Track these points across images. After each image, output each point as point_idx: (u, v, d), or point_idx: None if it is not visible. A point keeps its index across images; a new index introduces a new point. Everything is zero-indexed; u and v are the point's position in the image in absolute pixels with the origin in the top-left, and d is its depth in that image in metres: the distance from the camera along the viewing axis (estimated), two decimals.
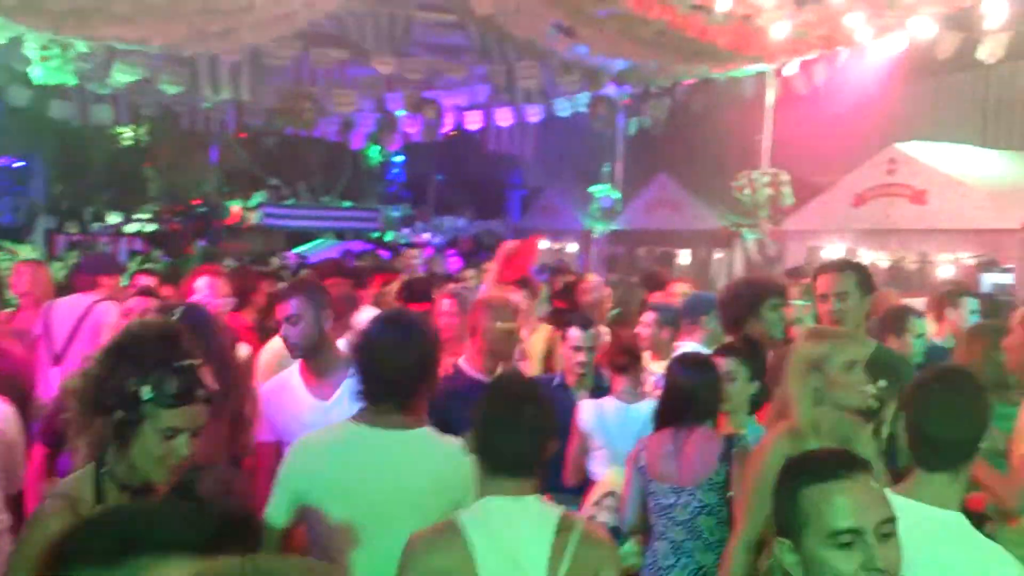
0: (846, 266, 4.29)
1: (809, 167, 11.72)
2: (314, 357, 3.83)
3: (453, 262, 14.51)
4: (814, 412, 3.12)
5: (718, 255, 12.23)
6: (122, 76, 9.86)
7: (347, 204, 22.14)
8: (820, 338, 3.28)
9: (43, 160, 19.92)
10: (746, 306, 4.47)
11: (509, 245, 6.71)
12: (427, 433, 2.92)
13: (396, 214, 22.28)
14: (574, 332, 4.72)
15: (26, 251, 10.11)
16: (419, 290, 6.70)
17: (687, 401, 3.77)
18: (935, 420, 2.51)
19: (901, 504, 2.29)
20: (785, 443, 3.06)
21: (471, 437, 2.54)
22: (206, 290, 5.20)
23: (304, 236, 19.70)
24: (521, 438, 2.49)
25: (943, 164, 7.49)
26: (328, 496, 2.78)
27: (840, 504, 1.88)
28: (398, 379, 2.89)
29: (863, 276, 4.15)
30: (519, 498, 2.45)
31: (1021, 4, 7.24)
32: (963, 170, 7.42)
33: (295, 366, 3.92)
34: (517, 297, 5.20)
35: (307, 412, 3.68)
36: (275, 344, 4.49)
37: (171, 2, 7.89)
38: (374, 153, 20.41)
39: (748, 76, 10.63)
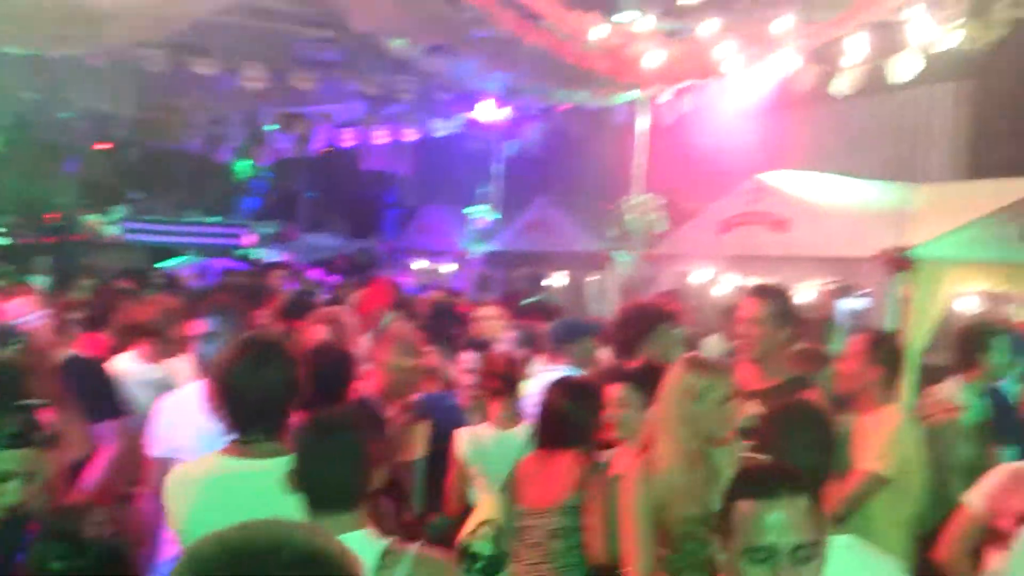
0: (765, 293, 4.29)
1: (682, 193, 12.08)
2: None
3: (330, 280, 14.23)
4: (687, 443, 3.14)
5: (592, 278, 12.40)
6: None
7: (212, 220, 21.45)
8: (700, 369, 3.30)
9: None
10: (639, 331, 4.48)
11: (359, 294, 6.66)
12: None
13: (266, 231, 21.70)
14: (466, 355, 4.69)
15: None
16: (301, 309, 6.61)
17: (560, 425, 3.75)
18: (776, 452, 2.63)
19: None
20: (648, 475, 3.07)
21: (291, 474, 2.42)
22: (21, 309, 4.90)
23: (167, 252, 18.92)
24: (336, 471, 2.39)
25: (805, 193, 7.80)
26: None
27: (762, 522, 1.99)
28: (263, 405, 2.77)
29: (780, 306, 4.17)
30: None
31: (880, 39, 7.64)
32: (824, 199, 7.74)
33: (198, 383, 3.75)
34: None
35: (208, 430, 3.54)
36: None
37: (32, 6, 7.46)
38: (243, 168, 19.85)
39: (623, 103, 10.88)
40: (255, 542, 1.21)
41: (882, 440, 3.90)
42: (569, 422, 3.76)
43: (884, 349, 4.14)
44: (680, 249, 9.00)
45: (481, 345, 4.82)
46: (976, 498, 3.21)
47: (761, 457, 2.66)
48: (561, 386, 3.93)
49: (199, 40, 10.54)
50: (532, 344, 5.53)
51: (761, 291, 4.38)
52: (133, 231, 19.65)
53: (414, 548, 2.44)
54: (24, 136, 15.22)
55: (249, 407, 2.77)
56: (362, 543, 2.33)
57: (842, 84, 7.97)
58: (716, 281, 8.85)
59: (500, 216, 15.24)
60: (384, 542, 2.40)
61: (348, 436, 2.46)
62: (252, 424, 2.78)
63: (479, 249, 15.31)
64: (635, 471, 3.22)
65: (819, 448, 2.66)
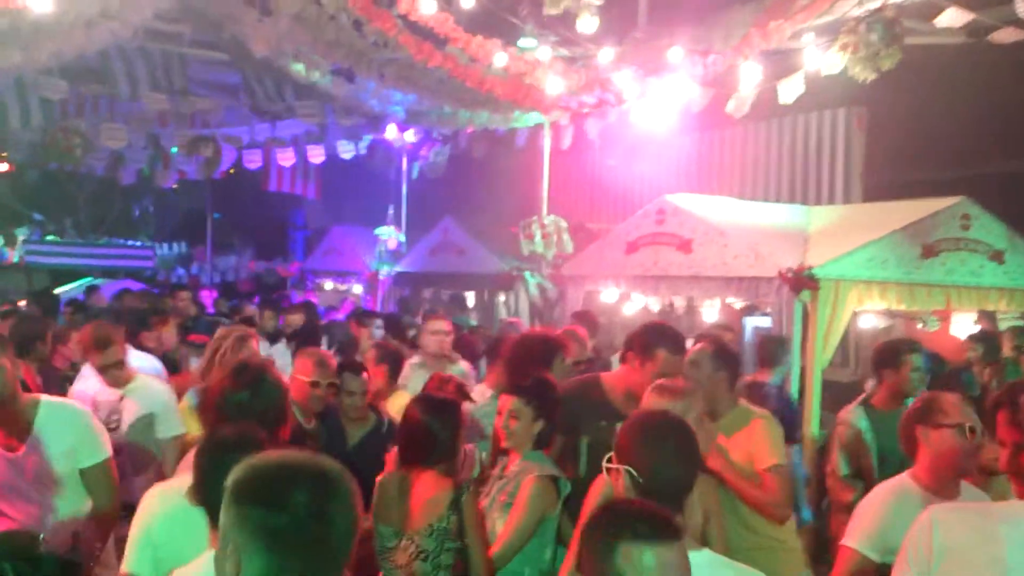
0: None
1: (586, 215, 12.30)
2: None
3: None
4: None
5: (502, 298, 12.50)
6: None
7: (116, 242, 20.94)
8: (672, 394, 3.39)
9: None
10: (538, 362, 4.58)
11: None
12: None
13: (171, 252, 21.30)
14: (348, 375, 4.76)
15: None
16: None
17: (424, 441, 3.75)
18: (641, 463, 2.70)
19: None
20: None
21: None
22: None
23: (70, 274, 18.38)
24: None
25: (708, 214, 8.03)
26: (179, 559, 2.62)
27: (647, 567, 2.05)
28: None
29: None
30: None
31: (775, 65, 7.96)
32: (726, 220, 7.98)
33: None
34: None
35: None
36: None
37: None
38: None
39: (526, 127, 11.04)
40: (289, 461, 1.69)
41: (767, 437, 4.06)
42: (430, 438, 3.76)
43: (725, 355, 4.30)
44: (588, 270, 9.15)
45: (357, 368, 4.91)
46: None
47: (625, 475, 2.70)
48: (421, 403, 3.95)
49: (101, 64, 10.33)
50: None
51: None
52: (34, 253, 19.08)
53: None
54: None
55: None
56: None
57: (738, 107, 8.25)
58: (626, 300, 9.04)
59: (406, 238, 15.28)
60: None
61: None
62: None
63: (388, 270, 15.29)
64: (598, 488, 3.29)
65: (684, 459, 2.72)
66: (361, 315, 8.90)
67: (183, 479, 2.88)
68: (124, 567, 2.84)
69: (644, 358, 4.22)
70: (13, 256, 19.33)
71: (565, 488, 3.87)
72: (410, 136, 13.22)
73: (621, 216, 11.20)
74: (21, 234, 19.85)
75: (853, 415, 5.18)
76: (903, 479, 3.35)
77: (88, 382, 5.14)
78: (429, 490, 3.63)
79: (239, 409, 3.13)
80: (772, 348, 6.68)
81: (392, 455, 4.01)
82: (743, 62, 7.67)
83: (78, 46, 8.39)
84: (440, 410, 3.84)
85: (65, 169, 14.69)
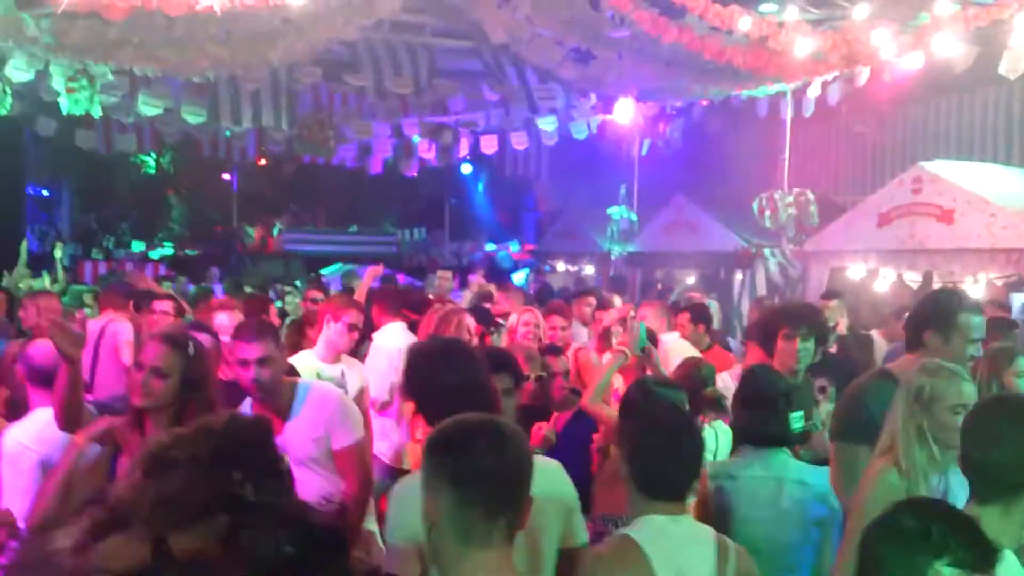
0: None
1: (830, 186, 11.69)
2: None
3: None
4: (917, 452, 3.04)
5: (739, 276, 12.16)
6: (146, 108, 9.95)
7: (354, 229, 22.32)
8: (934, 375, 3.15)
9: (69, 188, 20.17)
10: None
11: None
12: None
13: (412, 238, 22.38)
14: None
15: (37, 283, 10.15)
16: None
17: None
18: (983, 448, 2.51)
19: None
20: (891, 480, 2.99)
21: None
22: (227, 324, 5.20)
23: (322, 261, 19.76)
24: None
25: (969, 183, 7.42)
26: None
27: None
28: None
29: None
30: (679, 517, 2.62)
31: None
32: (989, 189, 7.35)
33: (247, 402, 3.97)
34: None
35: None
36: None
37: (191, 33, 7.94)
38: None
39: (765, 96, 10.63)
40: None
41: None
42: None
43: None
44: (833, 245, 8.73)
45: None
46: None
47: None
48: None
49: (349, 56, 10.95)
50: None
51: None
52: (291, 241, 20.66)
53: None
54: (189, 154, 16.18)
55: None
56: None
57: (1012, 66, 7.49)
58: (875, 276, 8.54)
59: (637, 217, 15.13)
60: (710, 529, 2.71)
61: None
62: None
63: (620, 250, 15.25)
64: (871, 474, 3.12)
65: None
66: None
67: None
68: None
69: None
70: (273, 245, 21.01)
71: None
72: (643, 113, 13.08)
73: (869, 187, 10.57)
74: (279, 224, 21.52)
75: None
76: None
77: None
78: None
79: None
80: None
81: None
82: (1018, 13, 6.96)
83: (331, 40, 8.97)
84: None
85: (318, 162, 15.72)
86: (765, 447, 3.45)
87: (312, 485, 3.76)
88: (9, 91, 9.33)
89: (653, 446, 2.65)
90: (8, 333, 6.99)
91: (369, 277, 8.08)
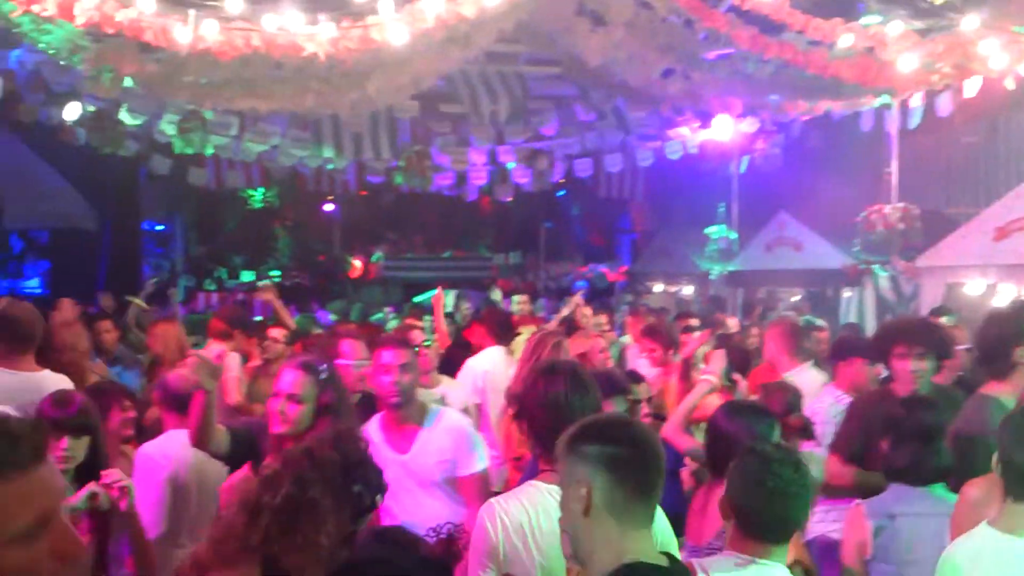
0: None
1: (941, 200, 11.29)
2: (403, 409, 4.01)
3: None
4: None
5: (847, 294, 11.83)
6: (253, 145, 10.33)
7: (448, 255, 22.64)
8: None
9: (182, 223, 21.08)
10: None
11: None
12: None
13: (509, 262, 22.54)
14: None
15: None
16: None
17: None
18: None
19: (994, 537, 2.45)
20: None
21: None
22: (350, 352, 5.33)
23: (420, 287, 20.06)
24: None
25: None
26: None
27: None
28: None
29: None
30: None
31: None
32: None
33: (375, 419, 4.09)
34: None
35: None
36: None
37: (299, 72, 8.20)
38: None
39: (871, 108, 10.38)
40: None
41: None
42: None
43: None
44: (948, 259, 8.43)
45: None
46: None
47: None
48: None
49: (446, 87, 11.15)
50: None
51: None
52: (390, 268, 21.07)
53: None
54: (294, 188, 16.68)
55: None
56: None
57: None
58: (994, 292, 8.22)
59: (737, 235, 14.92)
60: None
61: None
62: None
63: (720, 270, 15.05)
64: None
65: None
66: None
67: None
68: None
69: None
70: (374, 273, 21.47)
71: None
72: (741, 130, 12.93)
73: (983, 199, 10.18)
74: (379, 252, 21.99)
75: None
76: None
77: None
78: None
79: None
80: None
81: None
82: None
83: (431, 73, 9.14)
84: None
85: (415, 190, 16.00)
86: (922, 483, 3.35)
87: (432, 509, 3.82)
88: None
89: (760, 484, 2.57)
90: (135, 364, 7.32)
91: (439, 305, 8.16)
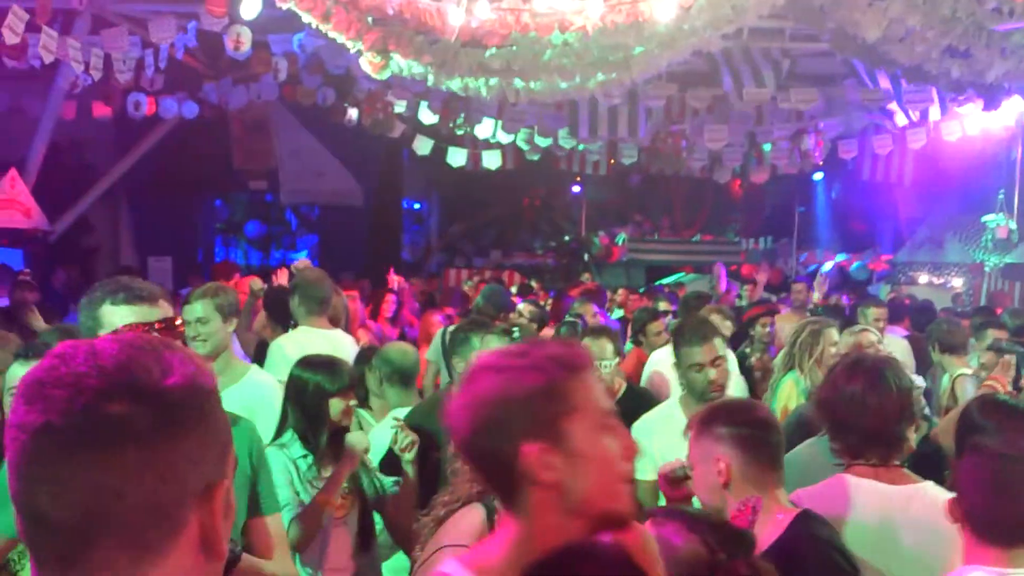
0: None
1: None
2: None
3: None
4: None
5: None
6: (511, 127, 10.62)
7: (696, 239, 22.19)
8: None
9: (437, 202, 22.15)
10: None
11: None
12: None
13: (759, 247, 21.87)
14: None
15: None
16: None
17: None
18: None
19: None
20: None
21: None
22: None
23: (663, 270, 19.84)
24: None
25: None
26: None
27: None
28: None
29: None
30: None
31: None
32: None
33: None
34: None
35: None
36: None
37: (560, 56, 8.32)
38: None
39: None
40: None
41: None
42: None
43: None
44: None
45: None
46: None
47: None
48: None
49: (705, 66, 10.93)
50: None
51: None
52: (635, 250, 21.01)
53: None
54: (546, 168, 17.03)
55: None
56: None
57: None
58: None
59: (1017, 225, 13.68)
60: None
61: None
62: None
63: (996, 262, 13.91)
64: None
65: None
66: None
67: None
68: None
69: None
70: (618, 254, 21.49)
71: None
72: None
73: None
74: (623, 234, 21.98)
75: None
76: None
77: None
78: None
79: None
80: None
81: None
82: None
83: (694, 50, 8.97)
84: None
85: (666, 172, 15.84)
86: None
87: None
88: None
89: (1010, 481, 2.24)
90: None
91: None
